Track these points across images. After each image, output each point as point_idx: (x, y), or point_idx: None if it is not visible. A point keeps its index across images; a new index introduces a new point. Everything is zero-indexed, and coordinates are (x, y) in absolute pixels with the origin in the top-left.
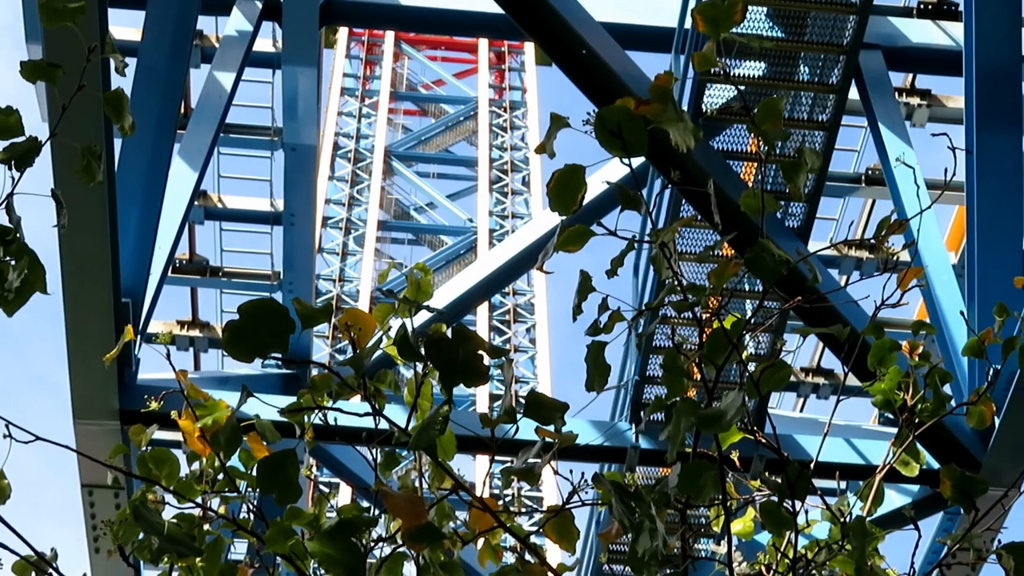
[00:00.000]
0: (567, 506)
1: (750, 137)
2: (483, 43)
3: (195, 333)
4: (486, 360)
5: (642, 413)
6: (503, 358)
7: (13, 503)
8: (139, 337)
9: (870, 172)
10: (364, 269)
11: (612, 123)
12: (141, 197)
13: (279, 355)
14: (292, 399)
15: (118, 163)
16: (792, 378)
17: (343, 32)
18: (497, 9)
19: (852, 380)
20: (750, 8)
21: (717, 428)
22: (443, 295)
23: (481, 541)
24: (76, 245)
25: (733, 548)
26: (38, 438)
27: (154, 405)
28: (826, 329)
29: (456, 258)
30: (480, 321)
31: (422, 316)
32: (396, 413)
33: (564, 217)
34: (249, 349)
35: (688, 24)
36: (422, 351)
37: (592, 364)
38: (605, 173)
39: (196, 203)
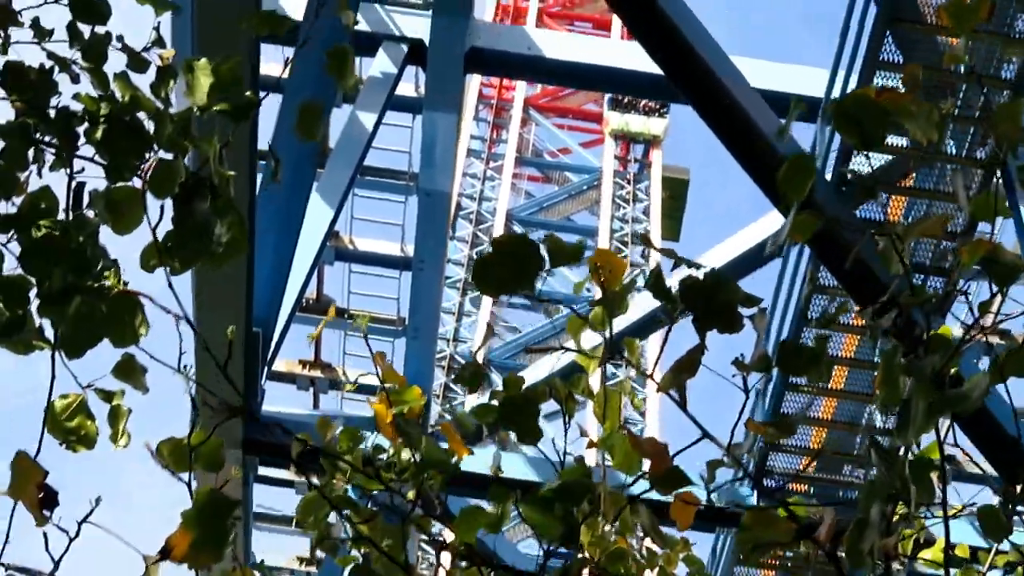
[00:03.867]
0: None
1: (888, 207)
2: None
3: (316, 374)
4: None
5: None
6: (757, 308)
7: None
8: (266, 370)
9: None
10: (478, 331)
11: (850, 110)
12: (277, 232)
13: (527, 293)
14: None
15: (258, 196)
16: None
17: (472, 94)
18: (640, 67)
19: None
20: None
21: (963, 407)
22: (559, 361)
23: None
24: (212, 272)
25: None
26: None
27: (357, 379)
28: None
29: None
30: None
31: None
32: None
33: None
34: (497, 284)
35: (836, 93)
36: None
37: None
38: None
39: (328, 243)
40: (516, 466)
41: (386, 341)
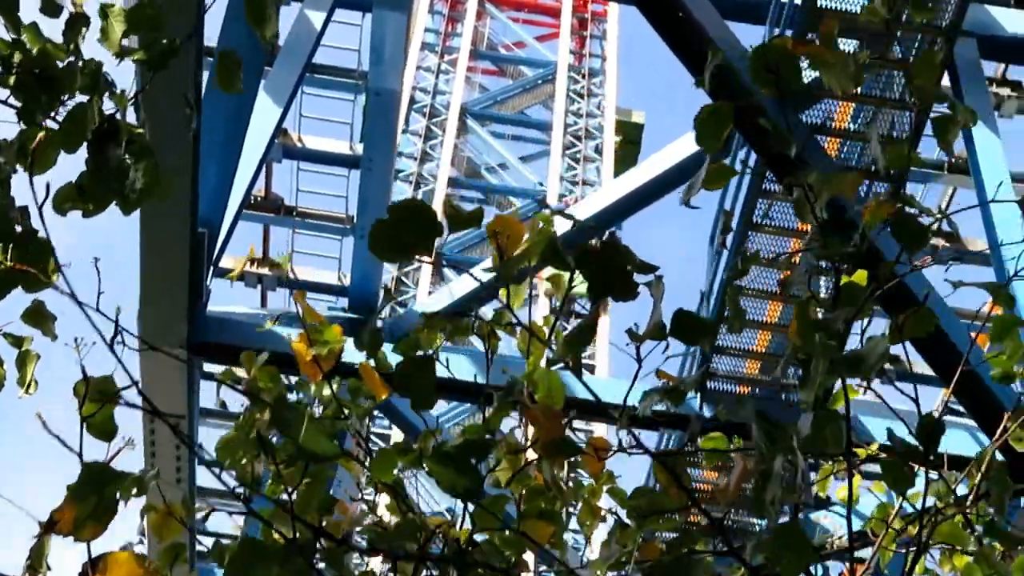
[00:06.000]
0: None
1: (837, 113)
2: (566, 7)
3: (264, 271)
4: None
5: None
6: (653, 275)
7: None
8: (211, 269)
9: (954, 159)
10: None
11: (770, 60)
12: (224, 130)
13: (424, 257)
14: None
15: (204, 94)
16: None
17: None
18: None
19: (920, 368)
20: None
21: (858, 372)
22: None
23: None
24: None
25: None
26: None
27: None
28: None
29: (523, 221)
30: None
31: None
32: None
33: (709, 154)
34: (394, 249)
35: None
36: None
37: (731, 303)
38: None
39: (276, 141)
40: (461, 365)
41: (334, 239)
